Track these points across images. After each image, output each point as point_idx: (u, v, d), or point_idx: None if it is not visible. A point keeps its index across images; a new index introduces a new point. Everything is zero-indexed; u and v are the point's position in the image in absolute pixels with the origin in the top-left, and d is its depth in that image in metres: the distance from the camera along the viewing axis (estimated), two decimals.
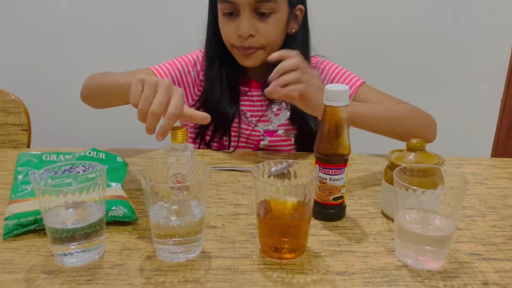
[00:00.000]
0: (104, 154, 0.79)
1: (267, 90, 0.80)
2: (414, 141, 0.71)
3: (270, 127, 1.08)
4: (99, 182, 0.60)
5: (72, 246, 0.61)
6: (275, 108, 1.07)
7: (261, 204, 0.62)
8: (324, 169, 0.70)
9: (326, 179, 0.70)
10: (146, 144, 1.67)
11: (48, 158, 0.77)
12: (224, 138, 1.06)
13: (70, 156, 0.78)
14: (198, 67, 1.08)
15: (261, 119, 1.07)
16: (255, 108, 1.07)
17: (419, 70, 1.64)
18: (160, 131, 0.66)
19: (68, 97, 1.52)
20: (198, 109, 1.04)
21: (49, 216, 0.60)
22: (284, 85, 0.79)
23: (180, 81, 1.06)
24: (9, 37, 1.46)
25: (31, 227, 0.67)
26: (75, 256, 0.61)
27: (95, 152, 0.78)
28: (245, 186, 0.85)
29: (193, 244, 0.63)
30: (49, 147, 1.02)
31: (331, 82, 1.05)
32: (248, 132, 1.06)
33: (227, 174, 0.91)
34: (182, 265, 0.61)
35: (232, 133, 1.06)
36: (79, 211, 0.62)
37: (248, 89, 1.07)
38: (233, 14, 0.96)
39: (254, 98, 1.07)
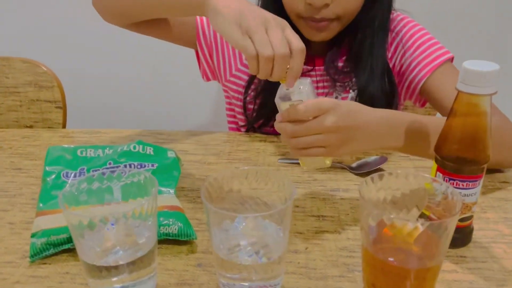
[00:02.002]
0: (152, 148, 0.63)
1: (275, 123, 0.58)
2: None
3: None
4: (150, 190, 0.45)
5: (116, 280, 0.46)
6: (341, 90, 0.84)
7: (369, 230, 0.44)
8: (452, 181, 0.50)
9: None
10: (195, 124, 1.52)
11: (84, 154, 0.62)
12: None
13: (111, 151, 0.63)
14: None
15: None
16: (319, 91, 0.85)
17: None
18: (292, 75, 0.54)
19: (109, 69, 1.36)
20: (252, 92, 0.84)
21: (85, 242, 0.45)
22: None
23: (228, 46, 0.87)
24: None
25: (64, 246, 0.53)
26: None
27: (141, 146, 0.62)
28: (325, 187, 0.67)
29: (271, 282, 0.47)
30: (88, 127, 0.88)
31: (406, 50, 0.81)
32: None
33: (300, 169, 0.73)
34: None
35: None
36: (122, 231, 0.46)
37: (311, 67, 0.84)
38: None
39: (318, 78, 0.85)
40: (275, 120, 0.58)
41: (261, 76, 0.54)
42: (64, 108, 0.97)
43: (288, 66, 0.53)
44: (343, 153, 0.58)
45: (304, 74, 0.84)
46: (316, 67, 0.84)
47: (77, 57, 1.34)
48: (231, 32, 0.54)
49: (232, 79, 0.87)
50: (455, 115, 0.49)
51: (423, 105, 0.84)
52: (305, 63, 0.87)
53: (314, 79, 0.84)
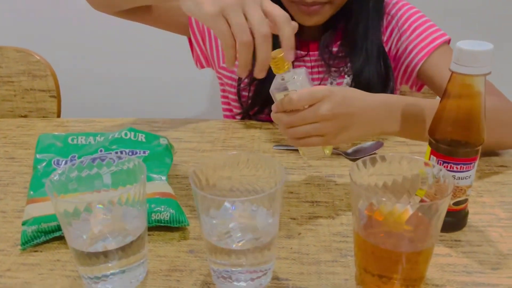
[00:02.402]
0: (144, 135, 0.62)
1: (272, 114, 0.57)
2: None
3: None
4: (139, 176, 0.45)
5: (105, 266, 0.45)
6: (335, 75, 0.82)
7: (360, 213, 0.44)
8: (446, 164, 0.49)
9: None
10: (192, 112, 1.51)
11: (75, 141, 0.61)
12: None
13: (103, 138, 0.62)
14: None
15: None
16: (313, 76, 0.84)
17: None
18: (288, 46, 0.50)
19: (103, 56, 1.35)
20: (245, 79, 0.83)
21: (73, 230, 0.44)
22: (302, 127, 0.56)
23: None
24: None
25: (55, 234, 0.52)
26: (110, 280, 0.46)
27: (132, 133, 0.62)
28: (320, 173, 0.67)
29: (262, 267, 0.46)
30: (84, 117, 0.87)
31: (402, 33, 0.79)
32: None
33: (295, 156, 0.72)
34: None
35: None
36: (110, 217, 0.46)
37: (306, 52, 0.83)
38: None
39: (312, 64, 0.83)
40: (270, 107, 0.57)
41: (241, 65, 0.51)
42: (58, 97, 0.96)
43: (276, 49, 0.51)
44: (341, 141, 0.57)
45: (298, 59, 0.82)
46: (311, 52, 0.82)
47: (72, 48, 1.33)
48: (204, 14, 0.49)
49: (225, 65, 0.86)
50: (449, 96, 0.49)
51: (419, 89, 0.83)
52: (299, 49, 0.85)
53: (309, 64, 0.83)
